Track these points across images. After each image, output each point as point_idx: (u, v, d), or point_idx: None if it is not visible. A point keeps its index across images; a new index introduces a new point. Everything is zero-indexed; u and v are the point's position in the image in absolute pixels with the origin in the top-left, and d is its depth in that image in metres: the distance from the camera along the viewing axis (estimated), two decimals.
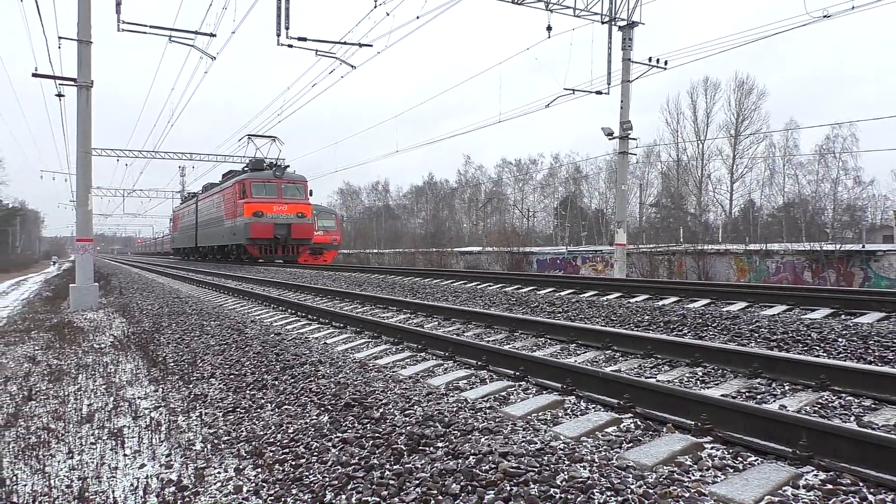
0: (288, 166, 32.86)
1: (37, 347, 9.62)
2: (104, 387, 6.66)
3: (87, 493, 3.78)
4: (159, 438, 4.82)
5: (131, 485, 3.93)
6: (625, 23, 21.17)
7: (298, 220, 31.36)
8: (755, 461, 3.50)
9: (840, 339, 6.50)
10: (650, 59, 21.36)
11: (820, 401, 4.63)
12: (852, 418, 4.24)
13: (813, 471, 3.30)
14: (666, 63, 21.30)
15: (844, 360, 5.67)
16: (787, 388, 4.99)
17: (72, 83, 15.94)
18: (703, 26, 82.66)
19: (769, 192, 54.85)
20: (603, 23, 21.40)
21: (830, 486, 3.07)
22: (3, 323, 14.03)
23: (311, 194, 32.83)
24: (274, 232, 30.31)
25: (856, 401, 4.58)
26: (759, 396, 4.83)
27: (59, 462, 4.42)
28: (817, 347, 6.33)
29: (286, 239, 31.02)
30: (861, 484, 3.09)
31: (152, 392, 6.40)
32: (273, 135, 34.70)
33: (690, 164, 55.73)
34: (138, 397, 6.18)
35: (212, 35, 18.13)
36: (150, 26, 17.91)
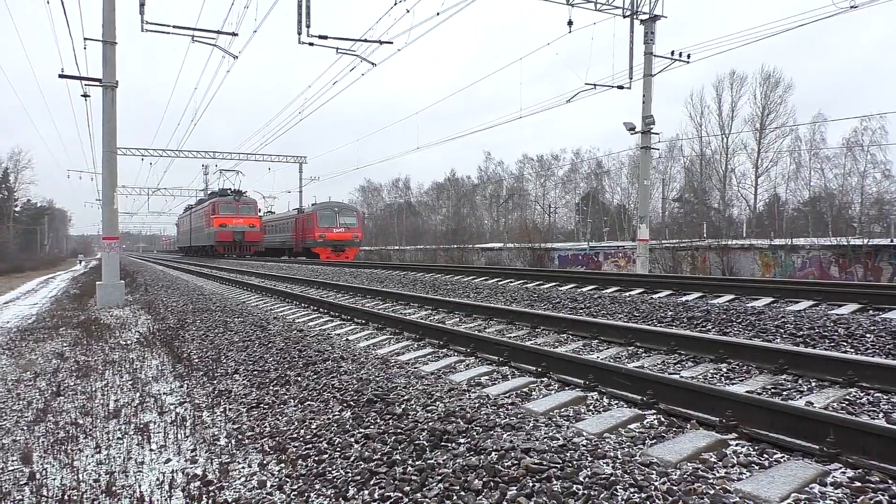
0: (245, 192, 49.44)
1: (65, 344, 9.77)
2: (130, 383, 6.75)
3: (114, 488, 3.83)
4: (184, 434, 4.88)
5: (157, 479, 3.98)
6: (647, 16, 20.97)
7: (250, 229, 46.89)
8: (781, 458, 3.46)
9: (868, 335, 6.39)
10: (672, 53, 21.12)
11: (847, 397, 4.56)
12: (881, 415, 4.17)
13: (841, 468, 3.25)
14: (689, 57, 21.06)
15: (873, 356, 5.57)
16: (813, 384, 4.92)
17: (97, 83, 16.16)
18: (726, 19, 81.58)
19: (795, 186, 54.00)
20: (625, 17, 21.22)
21: (859, 484, 3.02)
22: (32, 320, 14.28)
23: (259, 209, 49.97)
24: (233, 237, 45.81)
25: (884, 397, 4.50)
26: (785, 393, 4.77)
27: (86, 457, 4.49)
28: (844, 343, 6.23)
29: (241, 242, 46.35)
30: (891, 481, 3.03)
31: (177, 388, 6.48)
32: (238, 169, 52.05)
33: (714, 159, 55.06)
34: (164, 393, 6.26)
35: (234, 34, 18.26)
36: (174, 26, 18.08)
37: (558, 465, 3.12)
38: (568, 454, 3.28)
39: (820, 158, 50.97)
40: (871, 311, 8.18)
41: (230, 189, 49.53)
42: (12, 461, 4.44)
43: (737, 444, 3.69)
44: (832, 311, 8.18)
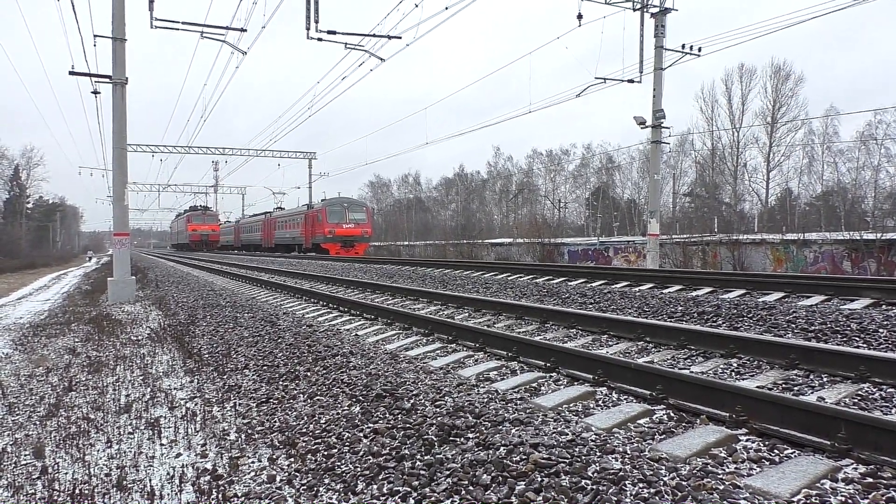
0: (210, 208, 75.90)
1: (77, 339, 9.84)
2: (141, 378, 6.79)
3: (125, 482, 3.86)
4: (195, 428, 4.90)
5: (168, 473, 4.00)
6: (657, 9, 20.82)
7: (212, 232, 71.72)
8: (792, 454, 3.44)
9: (881, 330, 6.34)
10: (683, 47, 20.99)
11: (860, 392, 4.52)
12: (894, 410, 4.13)
13: (852, 464, 3.22)
14: (700, 50, 20.92)
15: (885, 352, 5.53)
16: (825, 379, 4.89)
17: (107, 80, 16.23)
18: (738, 12, 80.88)
19: (807, 180, 53.66)
20: (635, 10, 21.10)
21: (871, 480, 3.00)
22: (44, 316, 14.39)
23: (219, 219, 75.75)
24: (201, 238, 70.66)
25: None
26: (796, 388, 4.74)
27: (98, 451, 4.52)
28: (857, 338, 6.19)
29: (206, 241, 70.88)
30: None
31: (188, 383, 6.51)
32: (207, 192, 77.49)
33: (725, 153, 54.73)
34: (174, 388, 6.29)
35: (242, 30, 18.29)
36: (183, 22, 18.14)
37: (567, 460, 3.11)
38: (577, 449, 3.27)
39: (833, 152, 50.57)
40: (884, 306, 8.12)
41: (200, 205, 75.60)
42: (25, 455, 4.48)
43: (747, 440, 3.67)
44: (844, 306, 8.12)
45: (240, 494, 3.56)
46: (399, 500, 3.09)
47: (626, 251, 31.47)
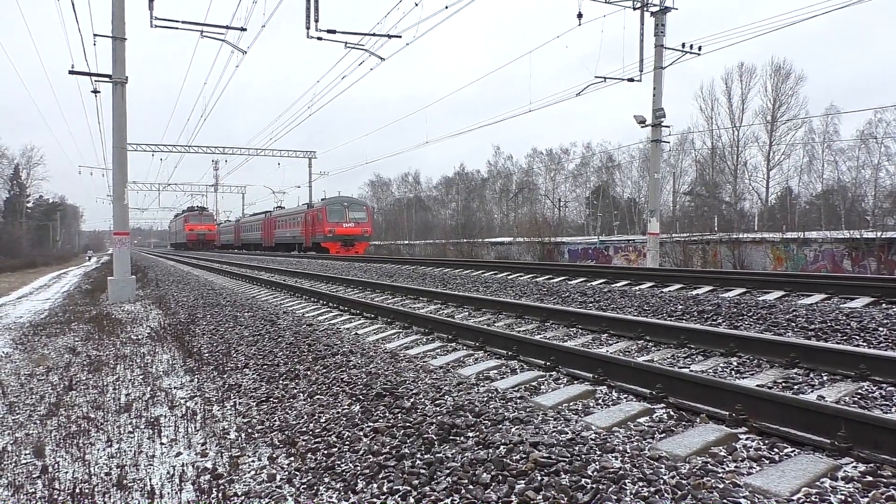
0: (206, 208, 78.28)
1: (77, 339, 9.84)
2: (141, 377, 6.79)
3: (125, 481, 3.86)
4: (195, 427, 4.90)
5: (168, 472, 4.00)
6: (657, 8, 20.80)
7: (208, 231, 74.16)
8: (792, 452, 3.44)
9: (881, 329, 6.34)
10: (683, 45, 20.96)
11: (860, 391, 4.52)
12: (894, 409, 4.13)
13: (852, 462, 3.22)
14: (700, 49, 20.89)
15: (885, 350, 5.53)
16: (825, 378, 4.89)
17: (107, 79, 16.22)
18: (738, 11, 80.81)
19: (807, 179, 53.68)
20: (635, 9, 21.08)
21: (871, 478, 3.00)
22: (45, 315, 14.39)
23: (215, 219, 78.92)
24: (198, 237, 72.58)
25: None
26: (796, 387, 4.74)
27: (98, 450, 4.52)
28: (857, 337, 6.19)
29: (203, 239, 72.69)
30: None
31: (188, 382, 6.51)
32: (204, 193, 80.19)
33: (725, 152, 54.72)
34: (174, 387, 6.29)
35: (242, 29, 18.28)
36: (182, 22, 18.12)
37: (567, 459, 3.11)
38: (576, 448, 3.27)
39: (833, 151, 50.56)
40: (883, 305, 8.12)
41: (197, 206, 78.80)
42: (25, 454, 4.48)
43: (747, 438, 3.67)
44: (844, 305, 8.12)
45: (240, 493, 3.56)
46: (399, 498, 3.09)
47: (627, 250, 31.44)
